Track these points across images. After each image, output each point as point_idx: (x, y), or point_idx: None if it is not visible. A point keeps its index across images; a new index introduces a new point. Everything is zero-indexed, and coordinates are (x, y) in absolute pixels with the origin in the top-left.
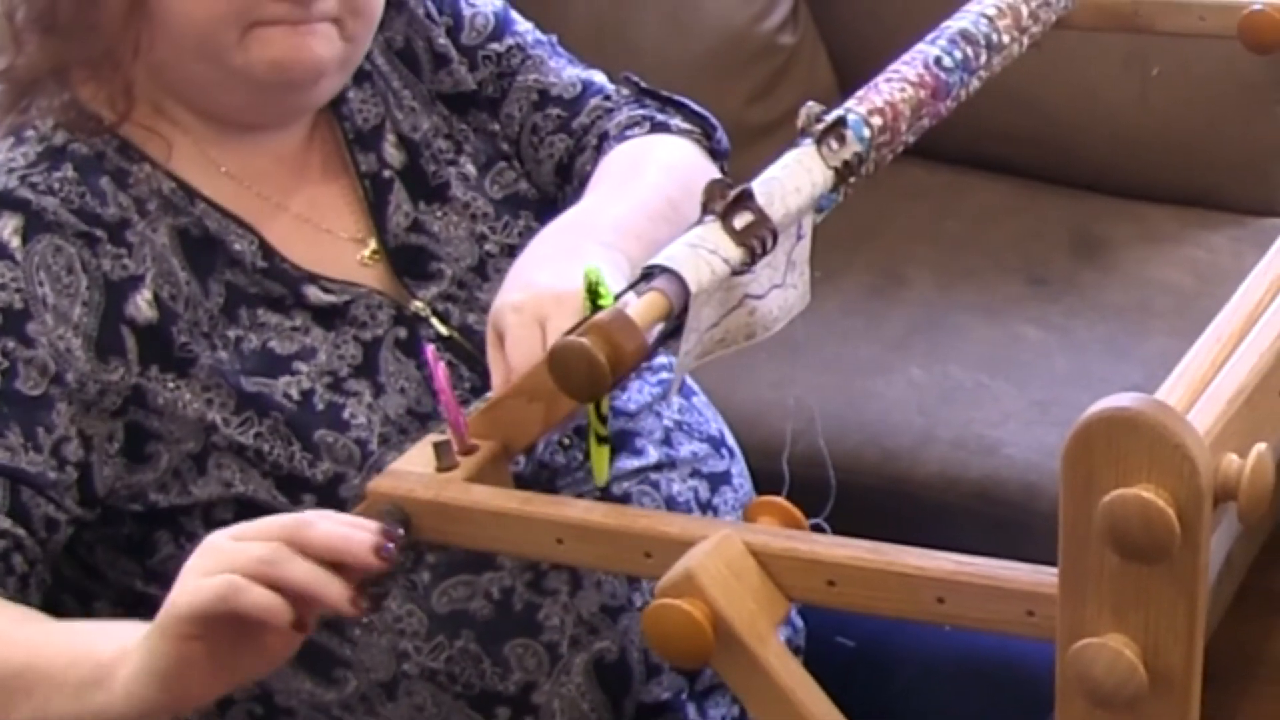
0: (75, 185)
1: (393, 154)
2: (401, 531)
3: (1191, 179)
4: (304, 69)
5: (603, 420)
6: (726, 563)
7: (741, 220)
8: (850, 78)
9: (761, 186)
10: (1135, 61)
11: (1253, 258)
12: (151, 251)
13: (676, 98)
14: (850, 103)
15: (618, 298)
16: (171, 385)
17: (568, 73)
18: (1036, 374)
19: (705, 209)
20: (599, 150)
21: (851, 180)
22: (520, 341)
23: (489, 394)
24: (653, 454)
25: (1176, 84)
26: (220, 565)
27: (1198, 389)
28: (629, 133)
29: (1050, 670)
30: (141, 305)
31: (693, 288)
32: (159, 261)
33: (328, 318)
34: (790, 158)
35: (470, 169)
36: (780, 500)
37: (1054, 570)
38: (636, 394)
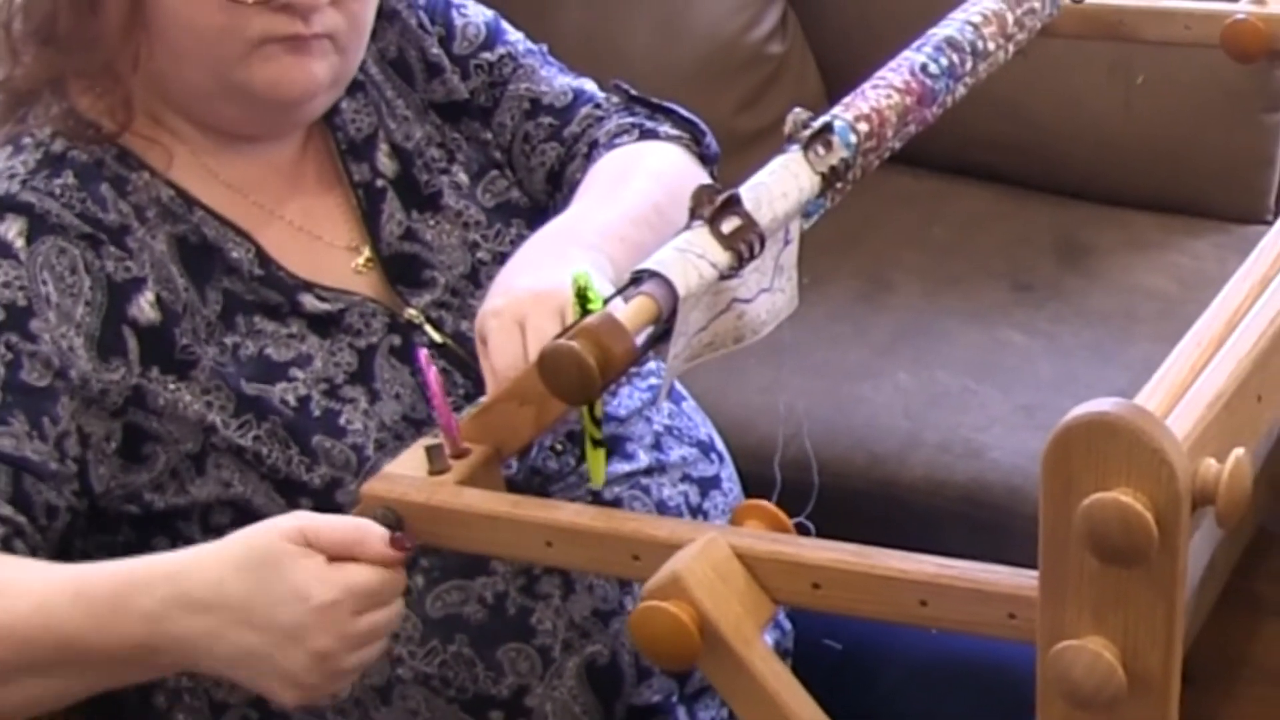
0: (76, 191)
1: (386, 163)
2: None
3: (1175, 186)
4: (300, 90)
5: (597, 424)
6: (713, 565)
7: (729, 225)
8: (838, 86)
9: (749, 192)
10: (1120, 70)
11: (1236, 264)
12: (151, 258)
13: (666, 104)
14: (837, 109)
15: (607, 302)
16: (172, 386)
17: (559, 81)
18: (1022, 379)
19: (693, 214)
20: (589, 158)
21: (838, 186)
22: (501, 345)
23: (481, 399)
24: (643, 458)
25: (1161, 92)
26: None
27: (1177, 394)
28: (618, 140)
29: (1034, 673)
30: (144, 306)
31: (681, 291)
32: (158, 268)
33: (323, 325)
34: (777, 163)
35: (463, 177)
36: (766, 504)
37: (1035, 573)
38: (627, 399)
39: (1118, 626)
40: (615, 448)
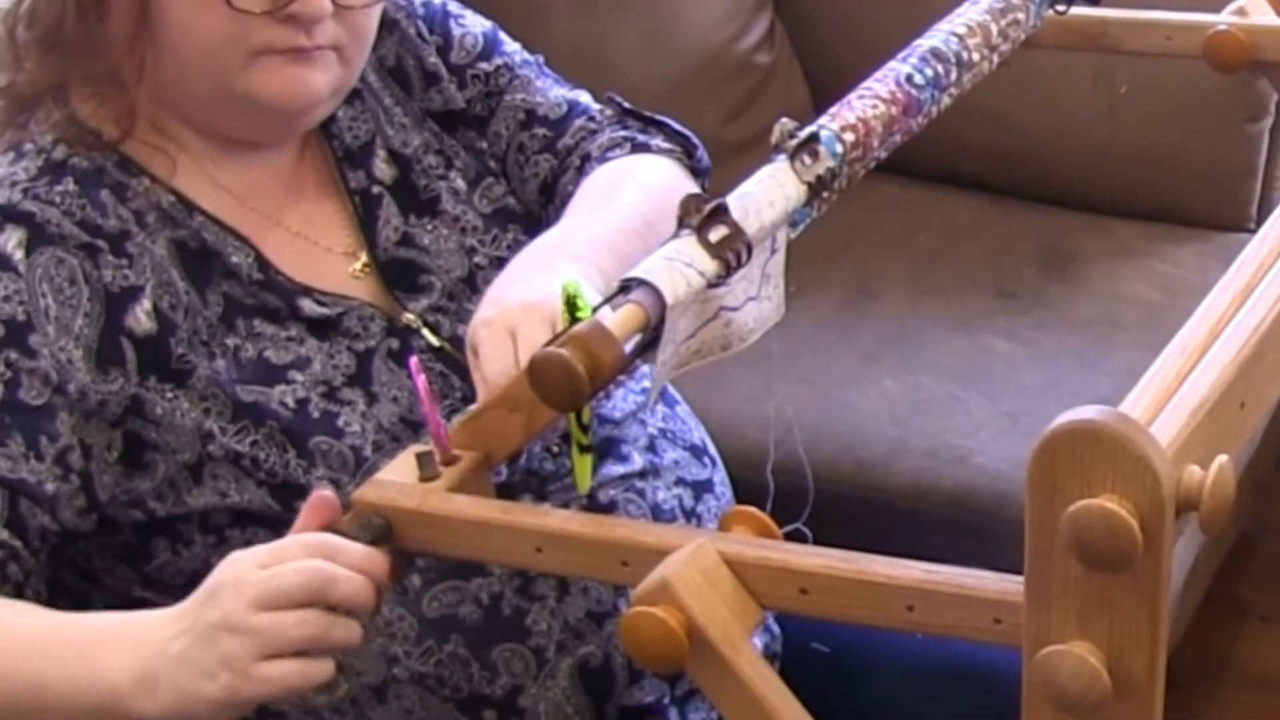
0: (76, 198)
1: (383, 169)
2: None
3: (1158, 195)
4: (301, 101)
5: (584, 429)
6: (701, 571)
7: (717, 234)
8: (824, 96)
9: (736, 201)
10: (1103, 80)
11: (1218, 272)
12: (151, 262)
13: (659, 118)
14: (823, 119)
15: (596, 310)
16: (170, 395)
17: (554, 93)
18: (1007, 386)
19: (681, 223)
20: (581, 171)
21: (825, 195)
22: (492, 355)
23: (472, 406)
24: (638, 461)
25: (1143, 102)
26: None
27: (1161, 401)
28: (610, 154)
29: (1020, 677)
30: (141, 317)
31: (669, 299)
32: (158, 272)
33: (322, 329)
34: (764, 173)
35: (460, 184)
36: (753, 510)
37: (1020, 579)
38: (621, 402)
39: (1103, 631)
40: (610, 450)
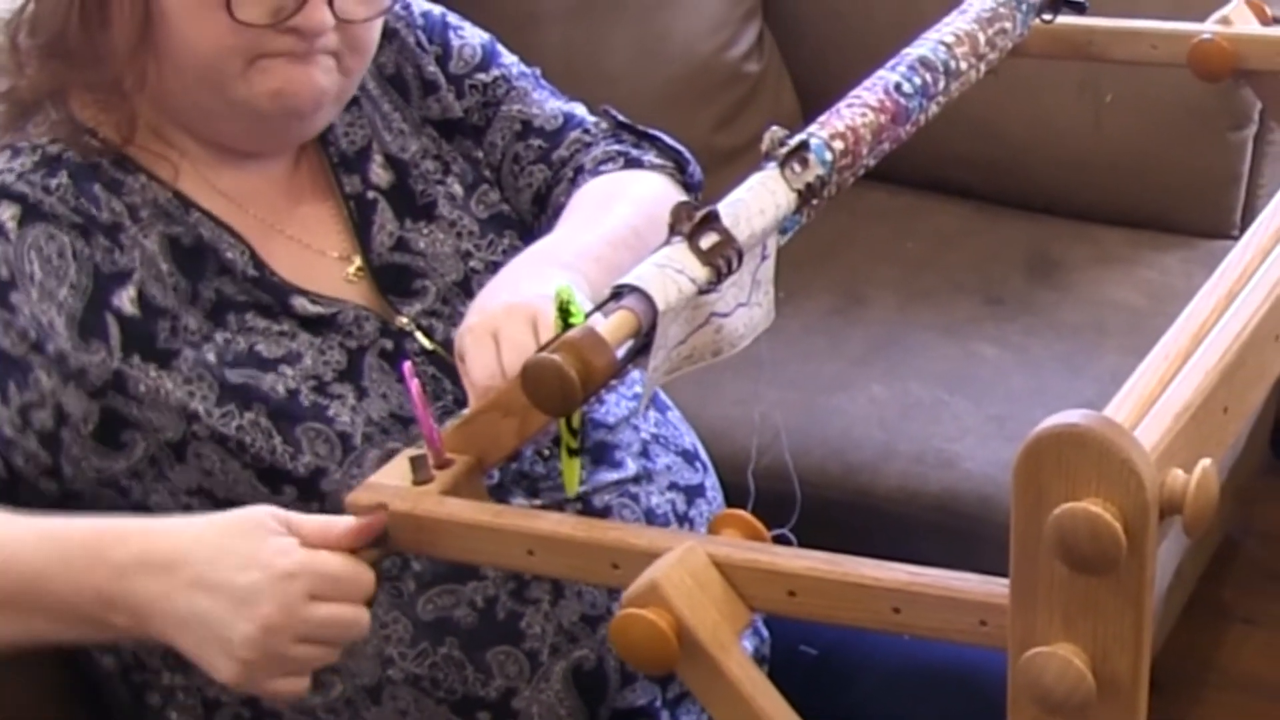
0: (69, 189)
1: (380, 174)
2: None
3: (1144, 202)
4: (304, 99)
5: (574, 433)
6: (691, 574)
7: (708, 241)
8: (813, 104)
9: (727, 208)
10: (1089, 88)
11: (1203, 278)
12: (142, 255)
13: (652, 132)
14: (813, 127)
15: (588, 316)
16: (153, 374)
17: (550, 105)
18: (993, 391)
19: (673, 230)
20: (574, 183)
21: (814, 202)
22: (476, 359)
23: (465, 410)
24: (631, 466)
25: (1129, 111)
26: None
27: (1145, 405)
28: (603, 168)
29: (1005, 678)
30: (126, 301)
31: (660, 306)
32: (148, 265)
33: (315, 325)
34: (755, 180)
35: (457, 189)
36: (743, 513)
37: (1006, 581)
38: (615, 407)
39: (1087, 633)
40: (604, 455)
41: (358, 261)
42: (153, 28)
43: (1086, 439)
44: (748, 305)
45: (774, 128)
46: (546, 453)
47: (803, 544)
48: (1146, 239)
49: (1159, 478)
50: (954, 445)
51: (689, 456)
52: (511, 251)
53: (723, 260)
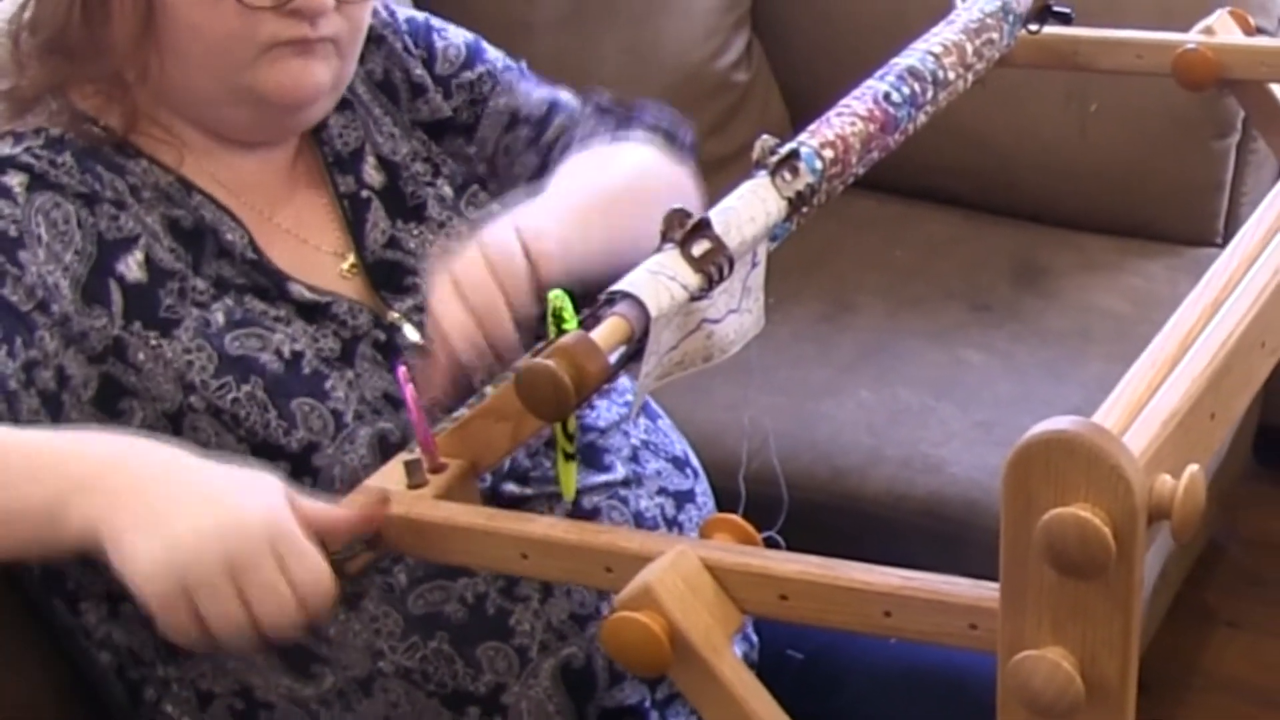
0: (74, 166)
1: (372, 175)
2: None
3: (1129, 210)
4: (308, 91)
5: (569, 438)
6: (683, 577)
7: (699, 248)
8: (801, 113)
9: (718, 216)
10: (1075, 98)
11: (1188, 286)
12: (145, 227)
13: (638, 110)
14: (803, 136)
15: (581, 322)
16: (154, 342)
17: (536, 94)
18: (980, 397)
19: (665, 237)
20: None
21: (804, 210)
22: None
23: (456, 413)
24: (620, 470)
25: (1114, 120)
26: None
27: (1133, 412)
28: (591, 143)
29: (994, 681)
30: (132, 265)
31: (653, 312)
32: (152, 234)
33: (310, 312)
34: (746, 188)
35: (447, 190)
36: (735, 517)
37: (995, 585)
38: (605, 412)
39: (1076, 637)
40: (593, 459)
41: (351, 258)
42: (155, 19)
43: (1076, 445)
44: (738, 312)
45: (764, 136)
46: (534, 449)
47: (793, 548)
48: (1132, 247)
49: (1147, 483)
50: (941, 450)
51: (679, 463)
52: None
53: (714, 267)
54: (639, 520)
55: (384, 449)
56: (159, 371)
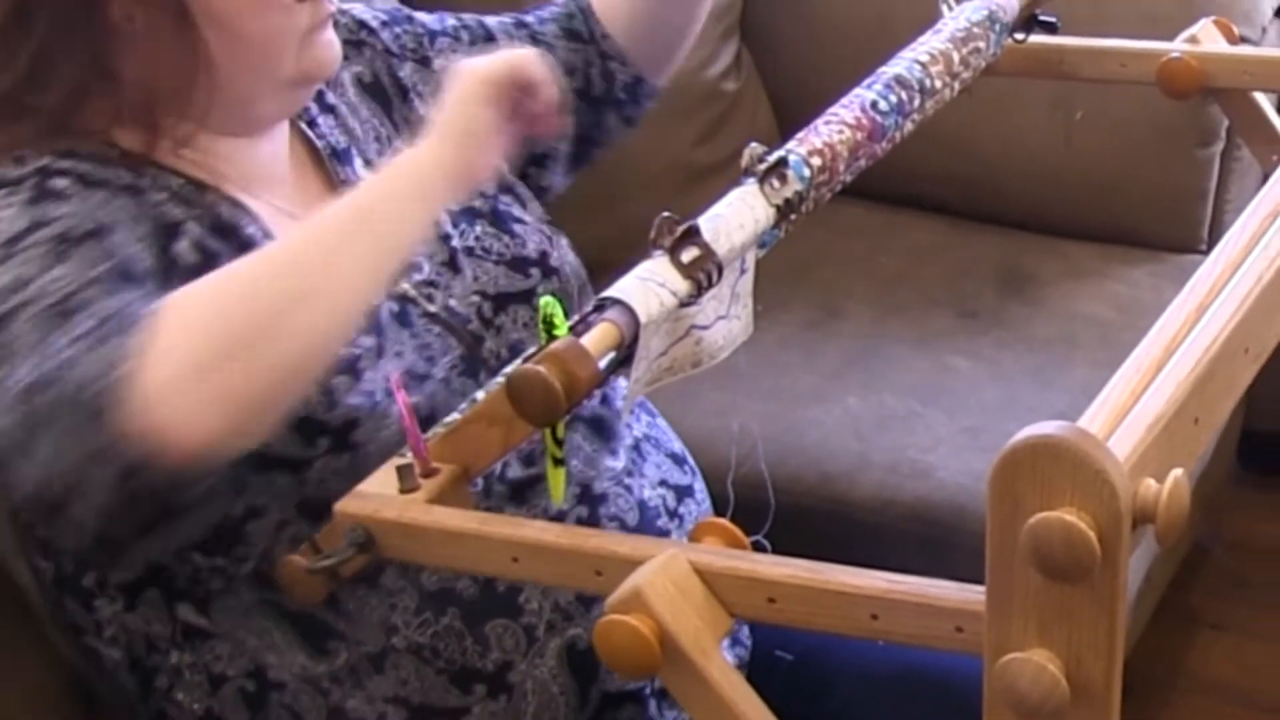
0: (98, 169)
1: (364, 173)
2: None
3: (1113, 218)
4: (337, 60)
5: (559, 444)
6: (673, 580)
7: (689, 255)
8: (790, 121)
9: (708, 223)
10: (1060, 106)
11: (1171, 292)
12: (185, 219)
13: None
14: (791, 144)
15: (572, 328)
16: None
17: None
18: (966, 403)
19: (654, 244)
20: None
21: (792, 217)
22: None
23: (448, 419)
24: (623, 458)
25: (1099, 128)
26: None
27: (1118, 417)
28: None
29: (981, 682)
30: (185, 247)
31: (642, 318)
32: (191, 226)
33: None
34: (734, 196)
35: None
36: (723, 521)
37: (982, 588)
38: (618, 397)
39: (1061, 640)
40: (608, 436)
41: None
42: (198, 44)
43: (1061, 450)
44: (727, 318)
45: (753, 144)
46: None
47: (781, 553)
48: (1116, 253)
49: (1132, 487)
50: (927, 456)
51: (677, 459)
52: (485, 237)
53: (703, 274)
54: (643, 509)
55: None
56: None
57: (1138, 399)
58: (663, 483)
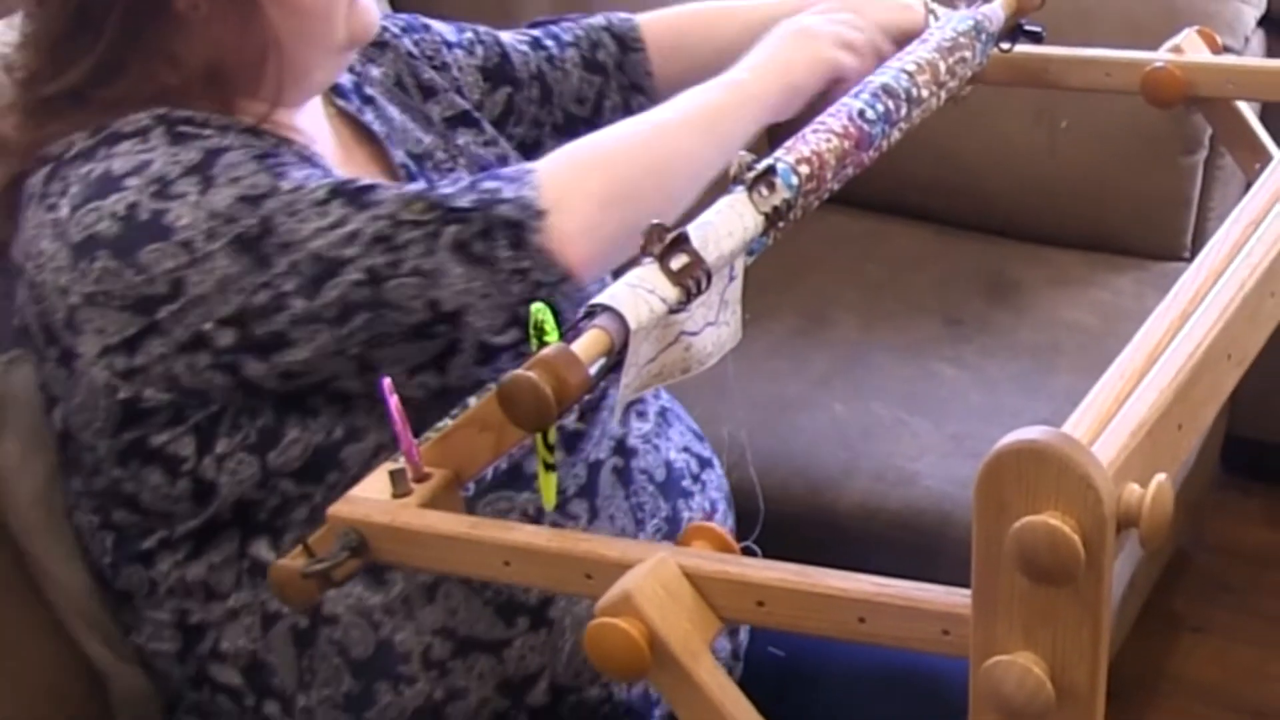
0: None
1: (403, 157)
2: None
3: (1098, 225)
4: (378, 21)
5: (550, 449)
6: (662, 584)
7: (678, 262)
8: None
9: (697, 230)
10: (1045, 115)
11: (1155, 299)
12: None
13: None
14: (779, 152)
15: (563, 335)
16: None
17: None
18: (952, 410)
19: (644, 251)
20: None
21: (780, 225)
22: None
23: (439, 424)
24: (651, 421)
25: (1084, 136)
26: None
27: (1102, 422)
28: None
29: (968, 682)
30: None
31: (632, 325)
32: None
33: None
34: (723, 203)
35: (465, 176)
36: (713, 525)
37: (967, 592)
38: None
39: (1046, 642)
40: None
41: None
42: (261, 25)
43: (1046, 454)
44: (716, 325)
45: (742, 152)
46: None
47: (767, 558)
48: (1100, 261)
49: (1116, 492)
50: (914, 463)
51: (697, 435)
52: None
53: (692, 281)
54: (669, 469)
55: None
56: None
57: (1122, 405)
58: (686, 449)
